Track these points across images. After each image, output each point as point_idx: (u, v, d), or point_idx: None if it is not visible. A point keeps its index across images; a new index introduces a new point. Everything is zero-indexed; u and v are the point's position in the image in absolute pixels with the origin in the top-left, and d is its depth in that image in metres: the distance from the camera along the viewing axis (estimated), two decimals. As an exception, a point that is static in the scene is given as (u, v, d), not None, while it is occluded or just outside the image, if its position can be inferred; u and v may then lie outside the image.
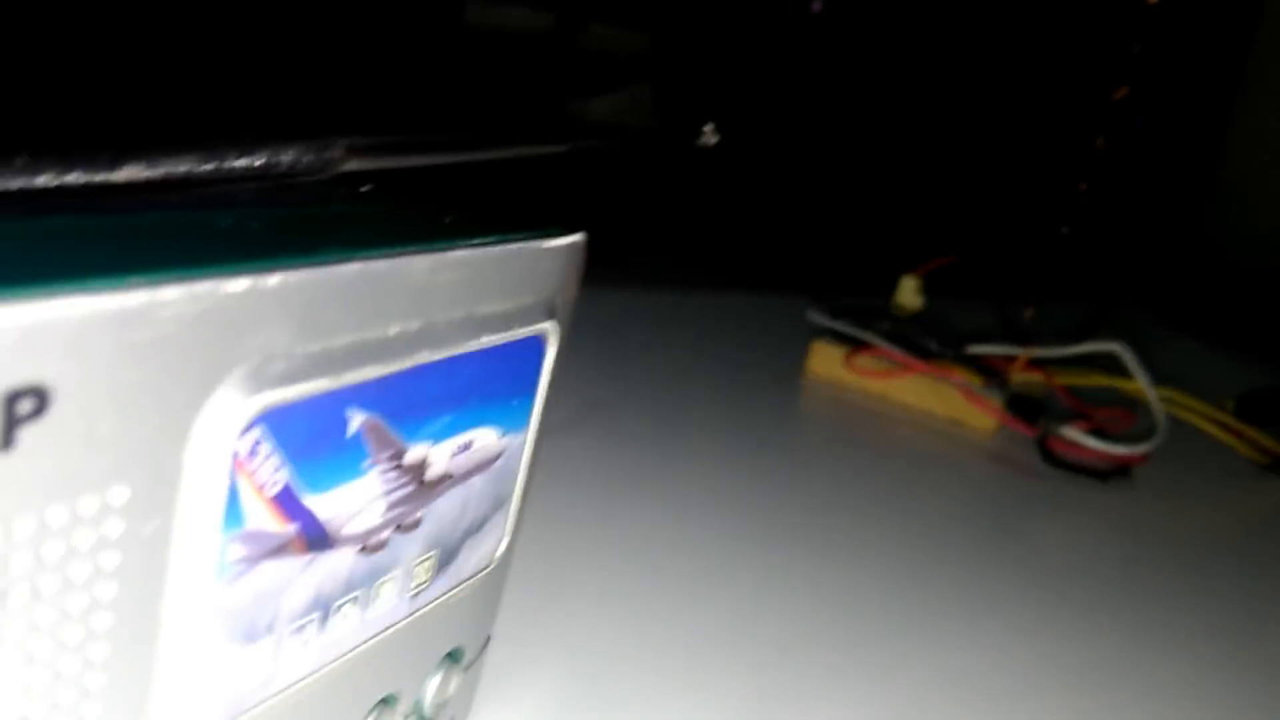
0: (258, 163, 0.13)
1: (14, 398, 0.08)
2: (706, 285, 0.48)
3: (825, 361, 0.37)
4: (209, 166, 0.12)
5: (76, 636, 0.09)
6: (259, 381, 0.10)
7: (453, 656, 0.15)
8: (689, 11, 0.48)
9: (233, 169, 0.13)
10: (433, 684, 0.15)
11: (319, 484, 0.11)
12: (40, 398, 0.08)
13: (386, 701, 0.14)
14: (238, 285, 0.09)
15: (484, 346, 0.13)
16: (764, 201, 0.55)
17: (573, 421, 0.29)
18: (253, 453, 0.10)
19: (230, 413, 0.10)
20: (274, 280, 0.10)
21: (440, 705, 0.15)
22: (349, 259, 0.10)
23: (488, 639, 0.16)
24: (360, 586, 0.12)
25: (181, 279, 0.09)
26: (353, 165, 0.15)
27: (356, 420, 0.11)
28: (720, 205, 0.53)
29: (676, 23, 0.50)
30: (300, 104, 0.44)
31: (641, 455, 0.29)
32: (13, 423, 0.08)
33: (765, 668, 0.20)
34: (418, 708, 0.15)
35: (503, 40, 0.52)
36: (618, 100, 0.58)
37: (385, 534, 0.12)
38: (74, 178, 0.11)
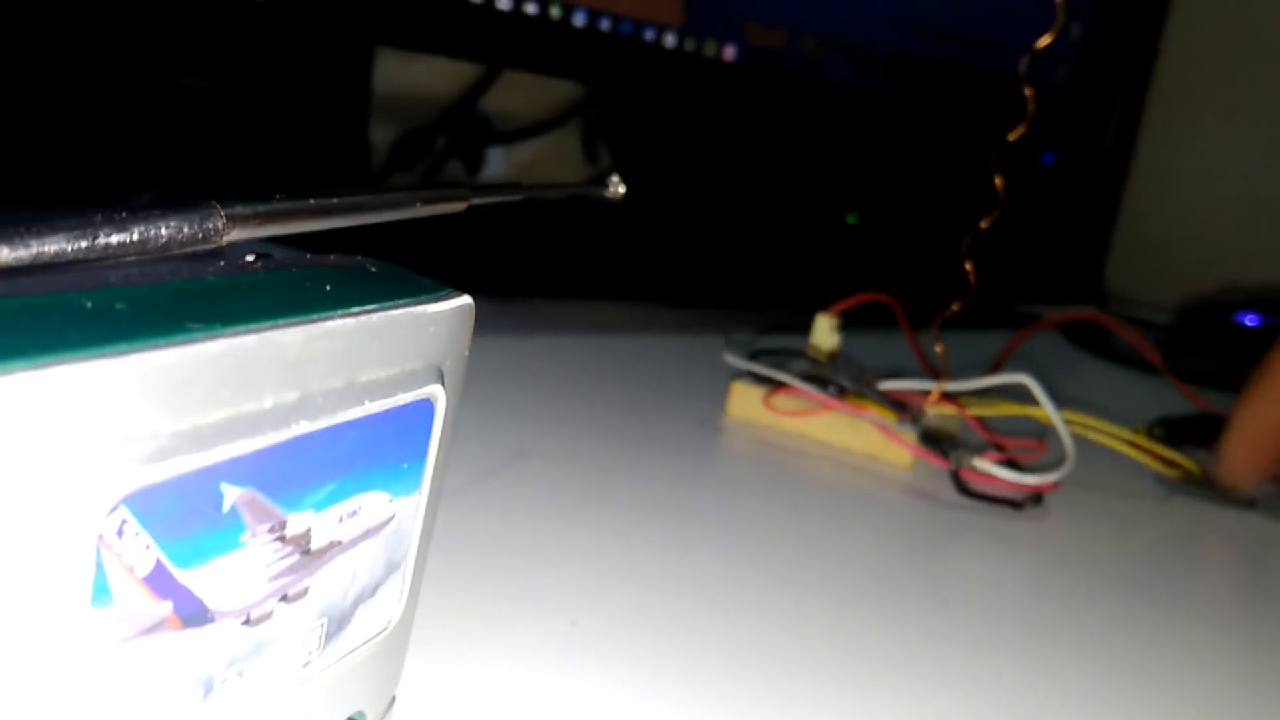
0: (133, 237, 0.13)
1: None
2: (627, 328, 0.48)
3: (744, 403, 0.38)
4: (82, 244, 0.12)
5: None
6: (123, 463, 0.10)
7: (355, 724, 0.15)
8: (611, 59, 0.49)
9: (108, 245, 0.13)
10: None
11: (194, 559, 0.11)
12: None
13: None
14: (94, 369, 0.09)
15: (368, 413, 0.13)
16: (679, 244, 0.55)
17: (490, 473, 0.29)
18: (119, 533, 0.10)
19: (93, 495, 0.10)
20: (134, 362, 0.10)
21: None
22: (215, 336, 0.11)
23: (392, 700, 0.16)
24: (244, 660, 0.12)
25: (32, 366, 0.09)
26: (236, 234, 0.15)
27: (231, 495, 0.11)
28: (636, 247, 0.53)
29: (599, 70, 0.50)
30: (187, 169, 0.44)
31: (562, 504, 0.29)
32: None
33: (687, 713, 0.20)
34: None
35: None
36: (541, 148, 0.58)
37: (270, 606, 0.12)
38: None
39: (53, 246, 0.12)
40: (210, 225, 0.14)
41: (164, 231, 0.13)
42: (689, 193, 0.56)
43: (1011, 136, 0.32)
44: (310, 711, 0.14)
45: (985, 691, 0.23)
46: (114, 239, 0.12)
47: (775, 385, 0.37)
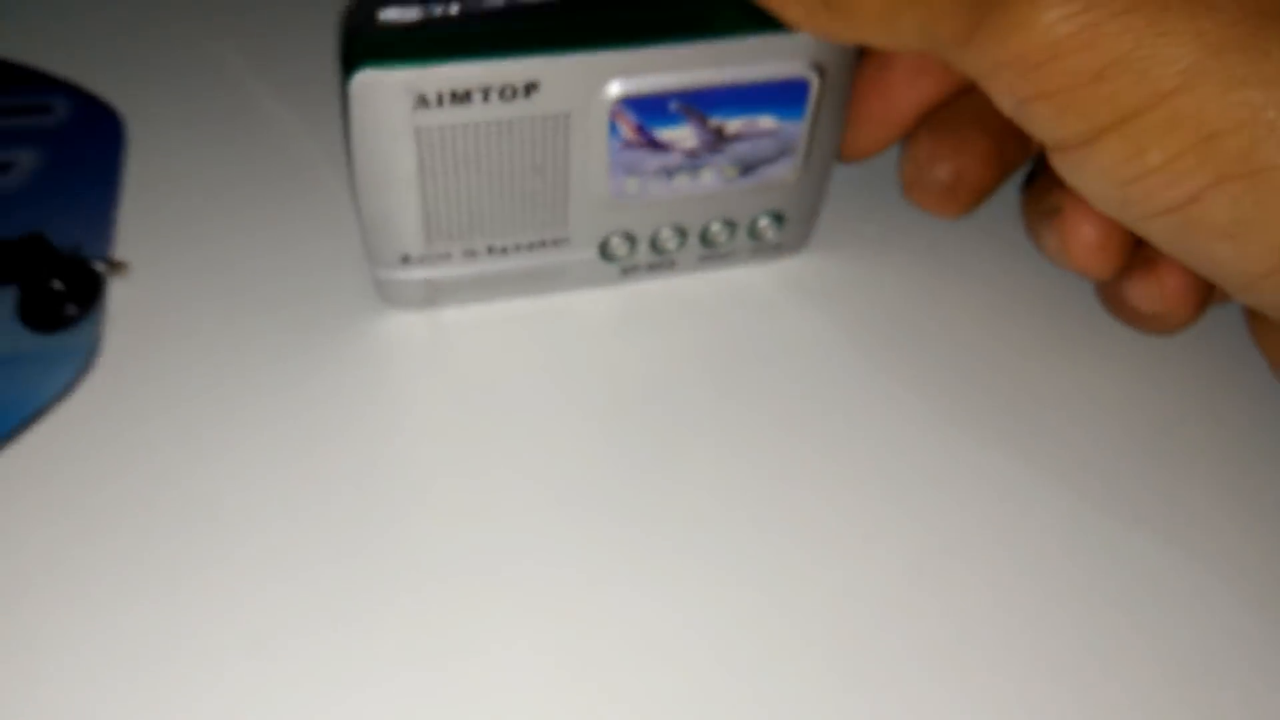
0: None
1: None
2: None
3: None
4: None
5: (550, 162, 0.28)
6: (628, 86, 0.27)
7: (776, 216, 0.32)
8: None
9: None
10: (761, 223, 0.32)
11: (657, 126, 0.28)
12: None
13: (729, 221, 0.31)
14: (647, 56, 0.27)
15: (759, 78, 0.28)
16: None
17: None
18: (626, 110, 0.28)
19: (608, 97, 0.27)
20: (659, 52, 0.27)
21: (763, 235, 0.32)
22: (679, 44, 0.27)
23: (812, 211, 0.32)
24: (688, 170, 0.29)
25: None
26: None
27: (675, 105, 0.28)
28: None
29: None
30: None
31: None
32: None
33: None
34: (751, 229, 0.32)
35: None
36: None
37: (700, 151, 0.29)
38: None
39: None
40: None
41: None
42: None
43: None
44: (742, 202, 0.31)
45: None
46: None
47: None
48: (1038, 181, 0.30)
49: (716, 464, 0.29)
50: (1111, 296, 0.30)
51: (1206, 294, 0.28)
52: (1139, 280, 0.28)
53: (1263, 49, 0.20)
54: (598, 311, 0.32)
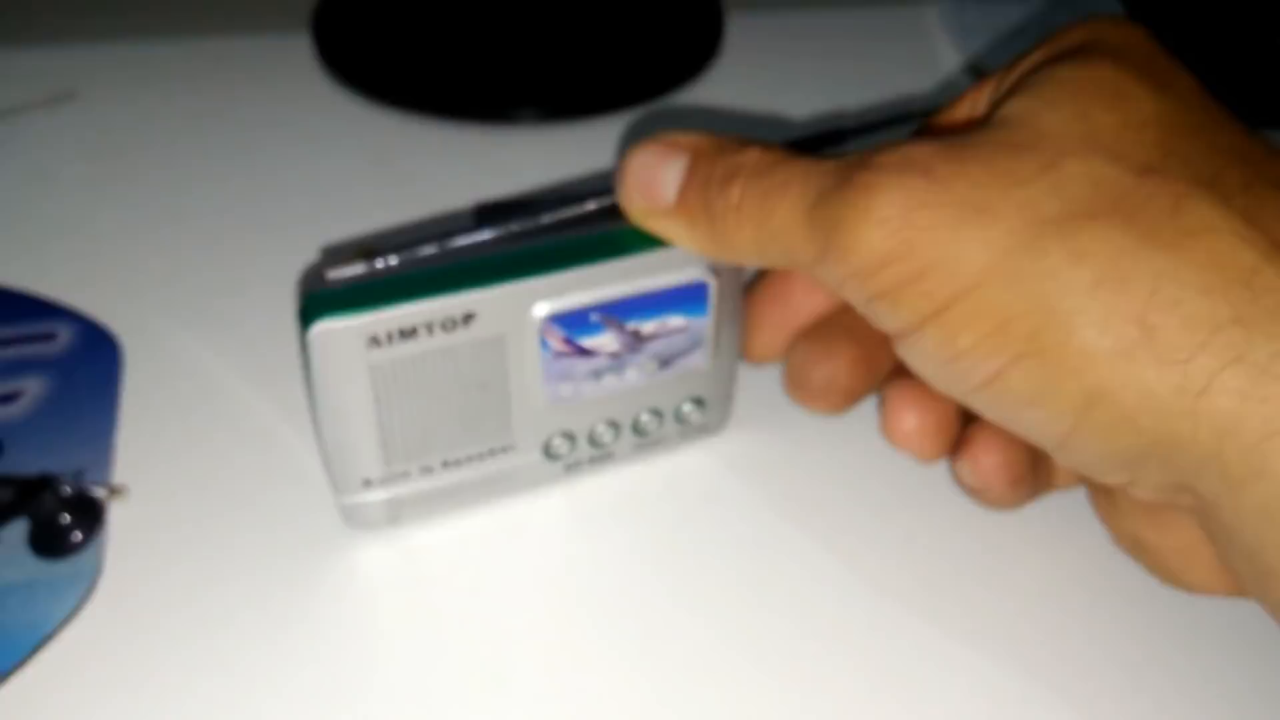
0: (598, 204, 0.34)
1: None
2: None
3: None
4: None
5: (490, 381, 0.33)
6: (552, 306, 0.31)
7: (697, 401, 0.36)
8: None
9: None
10: (685, 408, 0.36)
11: (582, 336, 0.32)
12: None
13: (656, 411, 0.35)
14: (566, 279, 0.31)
15: (668, 286, 0.32)
16: None
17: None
18: (553, 325, 0.32)
19: (537, 318, 0.31)
20: (570, 276, 0.31)
21: (688, 419, 0.36)
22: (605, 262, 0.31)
23: (728, 395, 0.36)
24: (614, 370, 0.34)
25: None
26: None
27: (594, 316, 0.32)
28: None
29: None
30: None
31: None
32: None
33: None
34: (676, 415, 0.36)
35: None
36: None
37: (622, 353, 0.33)
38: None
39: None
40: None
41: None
42: None
43: None
44: (665, 393, 0.35)
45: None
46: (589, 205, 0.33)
47: None
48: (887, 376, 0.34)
49: (672, 658, 0.32)
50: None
51: (1021, 472, 0.32)
52: (959, 459, 0.33)
53: (1041, 248, 0.25)
54: (546, 519, 0.35)
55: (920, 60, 0.57)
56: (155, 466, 0.36)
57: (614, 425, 0.35)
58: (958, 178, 0.26)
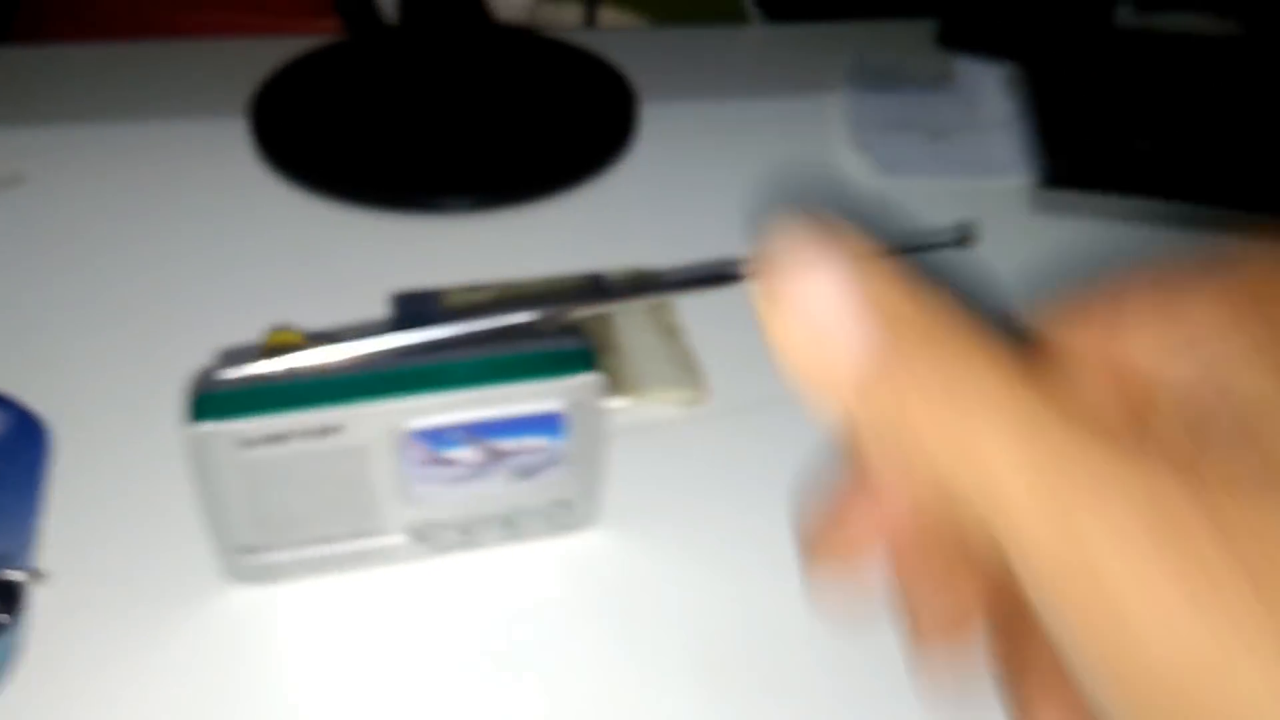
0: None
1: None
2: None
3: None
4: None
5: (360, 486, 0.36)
6: (416, 424, 0.35)
7: (562, 503, 0.39)
8: None
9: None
10: (551, 509, 0.39)
11: (443, 449, 0.36)
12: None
13: (521, 510, 0.39)
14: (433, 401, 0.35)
15: (524, 413, 0.36)
16: None
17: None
18: (415, 440, 0.36)
19: (399, 433, 0.35)
20: (454, 398, 0.35)
21: (554, 518, 0.40)
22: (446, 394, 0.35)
23: (591, 499, 0.40)
24: (477, 478, 0.37)
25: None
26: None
27: (456, 435, 0.36)
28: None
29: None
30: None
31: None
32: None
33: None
34: (542, 513, 0.40)
35: None
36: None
37: (483, 465, 0.37)
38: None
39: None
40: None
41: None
42: None
43: None
44: (531, 498, 0.39)
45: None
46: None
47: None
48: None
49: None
50: None
51: None
52: None
53: None
54: (407, 589, 0.39)
55: (822, 149, 0.61)
56: (77, 549, 0.40)
57: (481, 519, 0.39)
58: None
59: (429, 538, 0.39)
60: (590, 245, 0.54)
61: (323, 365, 0.36)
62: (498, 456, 0.37)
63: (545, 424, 0.37)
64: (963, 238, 0.45)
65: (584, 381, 0.36)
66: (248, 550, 0.37)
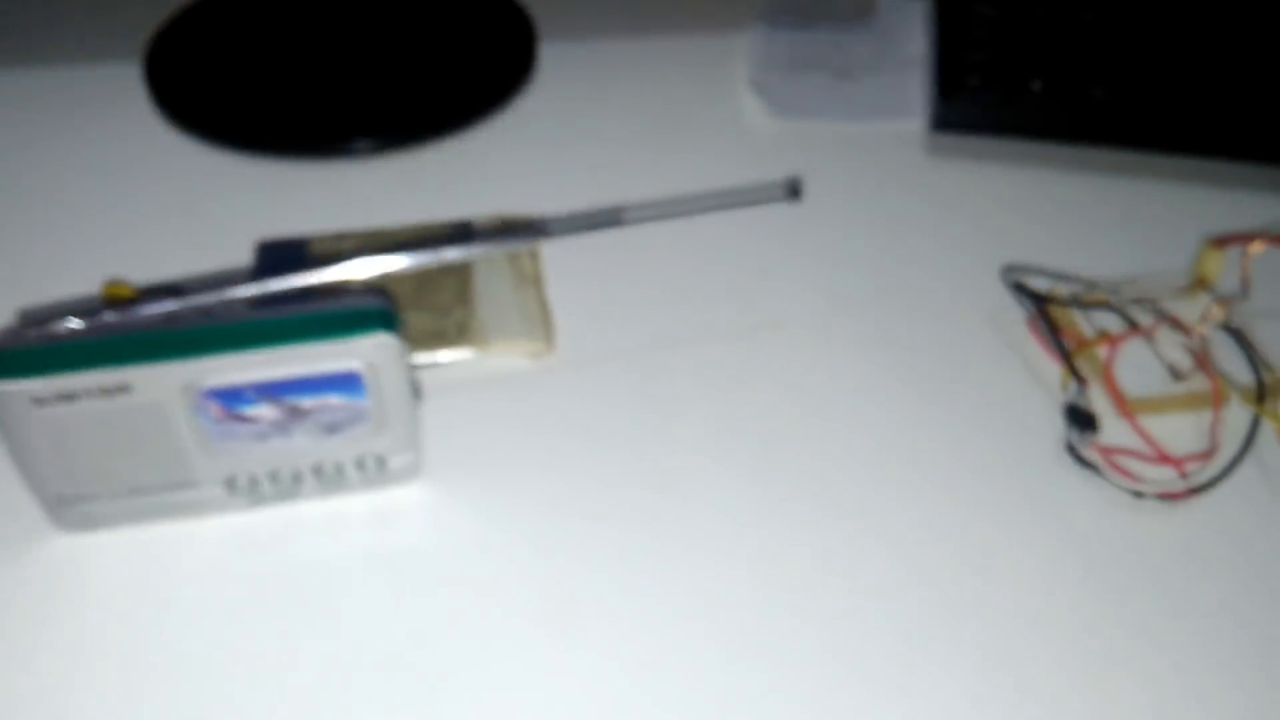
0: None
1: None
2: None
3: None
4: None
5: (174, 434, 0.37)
6: (207, 383, 0.35)
7: (377, 458, 0.40)
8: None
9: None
10: (367, 463, 0.40)
11: (239, 407, 0.36)
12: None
13: (335, 464, 0.39)
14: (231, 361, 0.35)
15: (323, 372, 0.36)
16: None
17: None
18: (208, 398, 0.36)
19: (191, 392, 0.35)
20: (250, 358, 0.35)
21: (371, 472, 0.40)
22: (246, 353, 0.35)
23: (414, 456, 0.40)
24: (281, 434, 0.37)
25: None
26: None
27: (251, 394, 0.36)
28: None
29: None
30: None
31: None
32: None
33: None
34: (359, 466, 0.40)
35: None
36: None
37: (284, 422, 0.37)
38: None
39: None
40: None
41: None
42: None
43: None
44: (340, 447, 0.39)
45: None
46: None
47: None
48: None
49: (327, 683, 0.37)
50: None
51: None
52: None
53: None
54: (219, 537, 0.40)
55: (723, 90, 0.60)
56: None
57: (294, 473, 0.39)
58: None
59: (245, 490, 0.39)
60: (483, 189, 0.54)
61: (116, 324, 0.36)
62: (297, 414, 0.37)
63: (343, 382, 0.37)
64: (792, 191, 0.44)
65: (379, 341, 0.36)
66: (65, 500, 0.38)
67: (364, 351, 0.36)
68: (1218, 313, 0.44)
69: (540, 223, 0.45)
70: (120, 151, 0.55)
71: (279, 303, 0.39)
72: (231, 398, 0.36)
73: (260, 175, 0.54)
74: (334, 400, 0.37)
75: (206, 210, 0.52)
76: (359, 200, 0.53)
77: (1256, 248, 0.44)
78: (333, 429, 0.38)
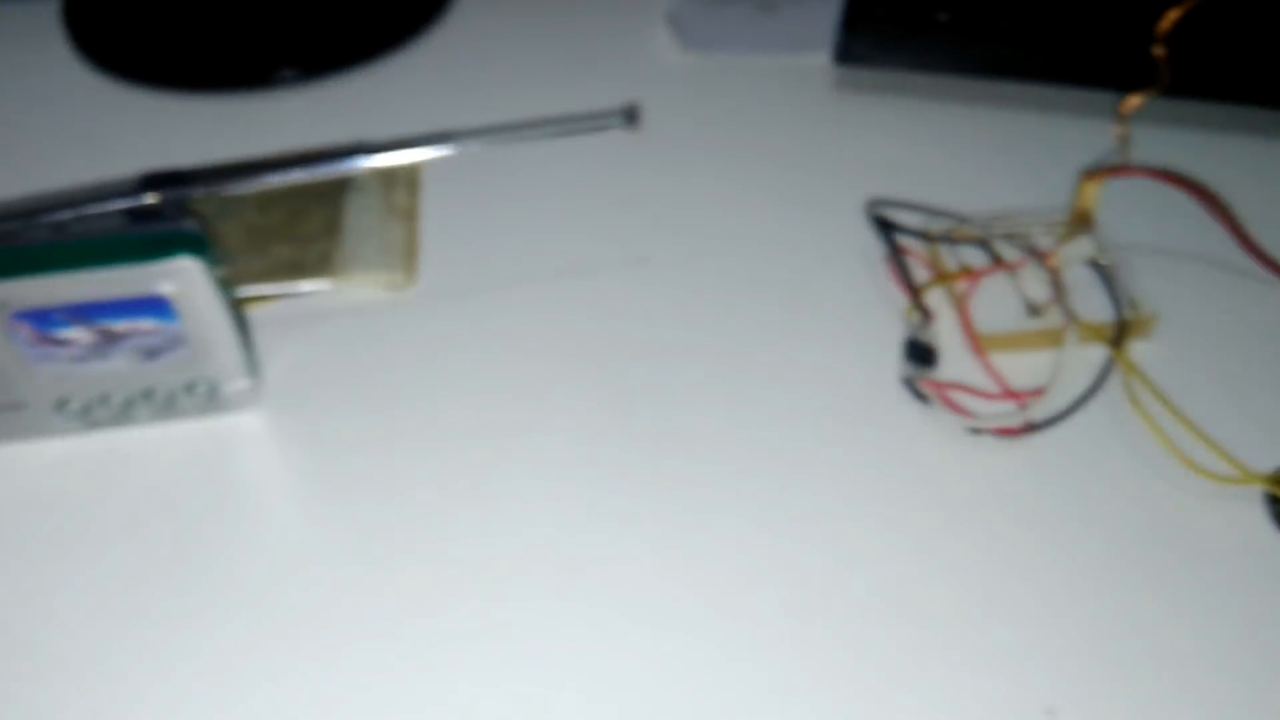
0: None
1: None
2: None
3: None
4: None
5: None
6: (13, 306, 0.36)
7: (209, 385, 0.40)
8: None
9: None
10: (198, 389, 0.40)
11: (51, 329, 0.37)
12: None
13: (164, 388, 0.40)
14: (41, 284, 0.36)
15: (132, 296, 0.37)
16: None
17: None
18: (17, 321, 0.37)
19: (8, 308, 0.36)
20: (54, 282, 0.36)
21: (203, 398, 0.40)
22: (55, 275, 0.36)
23: (248, 383, 0.40)
24: (99, 357, 0.38)
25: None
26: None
27: (60, 316, 0.37)
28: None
29: None
30: None
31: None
32: None
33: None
34: (189, 391, 0.40)
35: None
36: None
37: (99, 345, 0.38)
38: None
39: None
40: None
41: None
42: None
43: None
44: (165, 372, 0.39)
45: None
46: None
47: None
48: None
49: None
50: None
51: None
52: None
53: None
54: (63, 458, 0.41)
55: (640, 22, 0.59)
56: None
57: (125, 397, 0.40)
58: None
59: (77, 414, 0.40)
60: (397, 118, 0.53)
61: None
62: (112, 337, 0.38)
63: (152, 306, 0.37)
64: (629, 118, 0.44)
65: (184, 265, 0.37)
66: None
67: (169, 275, 0.37)
68: (1083, 248, 0.42)
69: (368, 144, 0.45)
70: (37, 89, 0.56)
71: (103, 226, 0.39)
72: (41, 320, 0.37)
73: (184, 111, 0.55)
74: (146, 324, 0.38)
75: (121, 148, 0.53)
76: (282, 132, 0.53)
77: (1126, 177, 0.42)
78: (152, 354, 0.39)
